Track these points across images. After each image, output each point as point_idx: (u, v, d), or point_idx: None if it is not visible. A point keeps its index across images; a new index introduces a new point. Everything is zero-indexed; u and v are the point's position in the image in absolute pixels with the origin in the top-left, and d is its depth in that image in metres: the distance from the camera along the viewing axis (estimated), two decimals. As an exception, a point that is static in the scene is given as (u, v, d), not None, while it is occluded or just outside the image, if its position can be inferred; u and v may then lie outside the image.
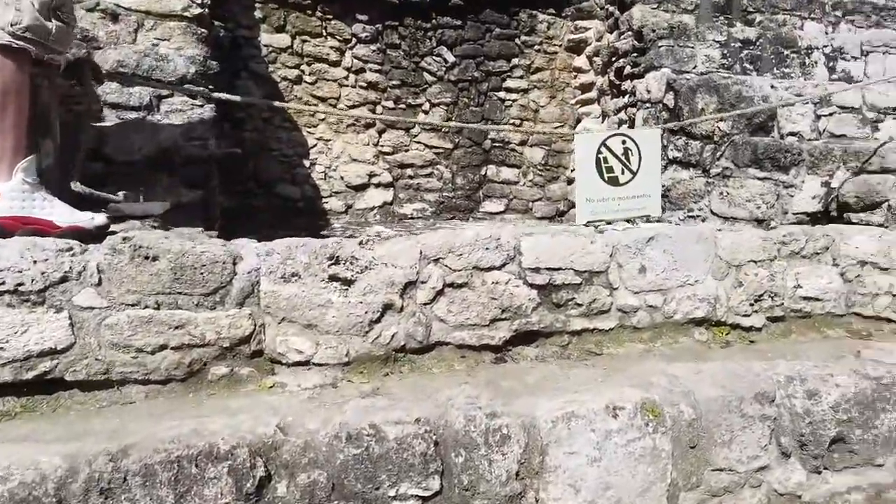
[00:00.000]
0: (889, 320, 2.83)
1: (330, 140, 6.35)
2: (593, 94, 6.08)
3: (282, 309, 2.11)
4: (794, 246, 2.74)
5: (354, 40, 6.36)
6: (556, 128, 6.68)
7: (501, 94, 6.75)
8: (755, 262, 2.68)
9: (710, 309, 2.62)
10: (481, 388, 2.03)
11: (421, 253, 2.30)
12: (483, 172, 6.68)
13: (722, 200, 4.01)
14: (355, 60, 6.37)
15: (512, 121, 6.76)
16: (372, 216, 6.35)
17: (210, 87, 3.56)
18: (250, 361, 2.09)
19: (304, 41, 6.23)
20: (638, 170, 3.11)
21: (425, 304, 2.29)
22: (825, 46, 5.06)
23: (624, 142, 3.09)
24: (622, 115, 5.33)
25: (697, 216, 4.23)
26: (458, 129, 6.58)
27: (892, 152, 3.70)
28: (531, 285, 2.42)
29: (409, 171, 6.49)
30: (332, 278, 2.17)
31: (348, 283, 2.19)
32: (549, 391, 2.03)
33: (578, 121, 6.42)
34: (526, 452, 1.74)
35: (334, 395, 2.00)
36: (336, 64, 6.35)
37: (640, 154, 3.11)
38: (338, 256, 2.18)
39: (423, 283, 2.29)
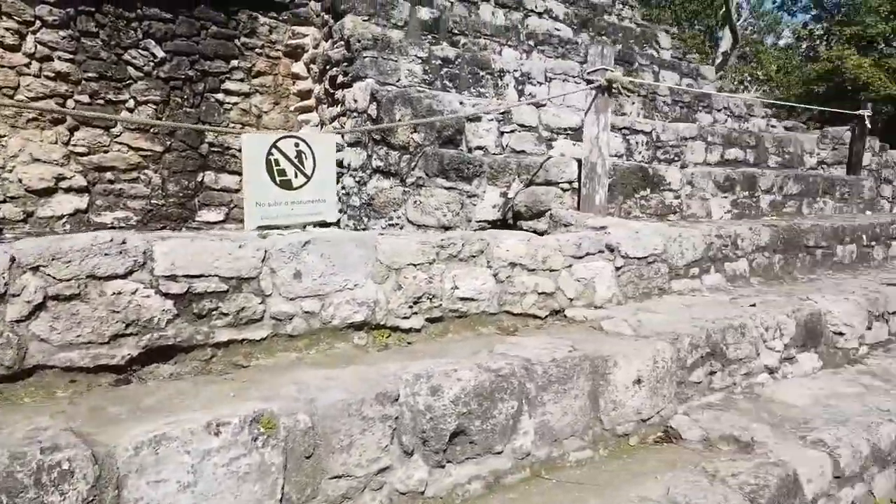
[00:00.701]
0: (535, 316, 3.11)
1: (4, 136, 5.41)
2: (312, 101, 6.02)
3: None
4: (452, 249, 2.87)
5: (39, 23, 5.52)
6: (280, 135, 6.49)
7: (220, 97, 6.37)
8: (415, 265, 2.75)
9: (369, 313, 2.63)
10: (76, 419, 1.75)
11: (13, 260, 1.93)
12: (200, 179, 6.22)
13: (416, 209, 4.15)
14: (40, 46, 5.52)
15: (232, 125, 6.41)
16: (60, 226, 5.53)
17: None
18: None
19: (-33, 17, 5.24)
20: (313, 174, 3.05)
21: (19, 321, 1.93)
22: (515, 71, 5.59)
23: (297, 144, 3.01)
24: (336, 123, 5.32)
25: (396, 224, 4.34)
26: (170, 130, 6.05)
27: (553, 166, 4.15)
28: (166, 295, 2.19)
29: (109, 175, 5.78)
30: None
31: None
32: (162, 413, 1.82)
33: (300, 128, 6.30)
34: (96, 488, 1.50)
35: None
36: (14, 48, 5.45)
37: (314, 158, 3.05)
38: None
39: (14, 296, 1.93)
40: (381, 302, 2.66)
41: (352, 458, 1.90)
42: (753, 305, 3.34)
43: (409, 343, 2.71)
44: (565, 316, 3.18)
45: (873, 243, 5.12)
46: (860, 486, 2.59)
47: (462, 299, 2.88)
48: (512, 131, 4.68)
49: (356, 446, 1.91)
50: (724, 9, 18.66)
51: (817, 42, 27.69)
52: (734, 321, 3.04)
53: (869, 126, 6.54)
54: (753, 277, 4.10)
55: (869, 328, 3.75)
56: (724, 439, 2.54)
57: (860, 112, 6.36)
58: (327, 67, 5.54)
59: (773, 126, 7.92)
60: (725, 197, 4.96)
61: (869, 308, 3.76)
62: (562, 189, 4.16)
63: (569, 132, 4.95)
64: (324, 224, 3.11)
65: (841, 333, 3.54)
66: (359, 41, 4.91)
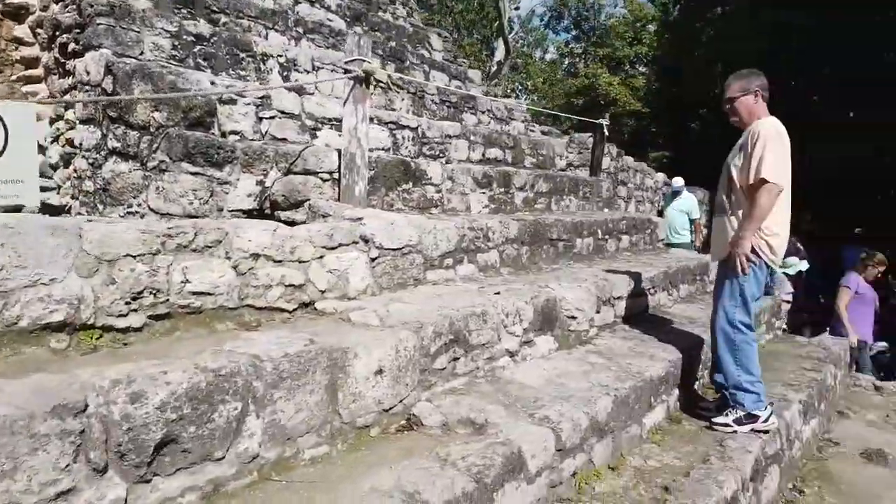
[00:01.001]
0: (282, 310, 2.94)
1: None
2: (40, 71, 5.18)
3: None
4: (182, 239, 2.59)
5: None
6: (0, 108, 5.50)
7: (-87, 58, 5.23)
8: (134, 256, 2.43)
9: (72, 311, 2.25)
10: None
11: None
12: None
13: (159, 195, 3.73)
14: None
15: (-67, 93, 5.29)
16: None
17: None
18: None
19: None
20: (4, 150, 2.55)
21: None
22: (280, 56, 5.34)
23: (-18, 113, 2.50)
24: (68, 97, 4.62)
25: (137, 212, 3.87)
26: None
27: (312, 156, 4.01)
28: None
29: None
30: None
31: None
32: None
33: (27, 101, 5.39)
34: None
35: None
36: None
37: (6, 132, 2.55)
38: None
39: None
40: (87, 298, 2.30)
41: (18, 485, 1.57)
42: (498, 293, 3.51)
43: (125, 344, 2.38)
44: (315, 309, 3.05)
45: (607, 237, 5.76)
46: (581, 455, 2.82)
47: (195, 293, 2.62)
48: (272, 117, 4.43)
49: (23, 470, 1.58)
50: (498, 21, 20.04)
51: (577, 60, 31.08)
52: (477, 308, 3.16)
53: (607, 134, 7.38)
54: (503, 268, 4.35)
55: (598, 312, 4.16)
56: (461, 423, 2.60)
57: (599, 121, 7.15)
58: (57, 34, 4.80)
59: (532, 130, 8.60)
60: (484, 193, 5.22)
61: (598, 294, 4.17)
62: (321, 179, 4.03)
63: (334, 122, 4.83)
64: (25, 209, 2.63)
65: (574, 317, 3.88)
66: (91, 6, 4.30)
